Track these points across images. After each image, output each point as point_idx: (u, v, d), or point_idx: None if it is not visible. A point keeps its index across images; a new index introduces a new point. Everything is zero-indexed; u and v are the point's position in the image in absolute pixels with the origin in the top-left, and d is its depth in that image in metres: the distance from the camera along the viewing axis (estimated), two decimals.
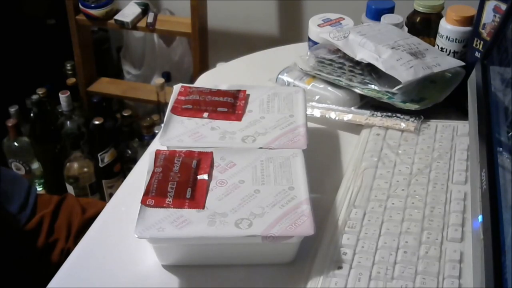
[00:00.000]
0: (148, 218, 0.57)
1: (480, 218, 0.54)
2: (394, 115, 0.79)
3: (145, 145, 1.60)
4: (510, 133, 0.56)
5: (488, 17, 0.75)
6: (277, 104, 0.74)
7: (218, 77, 1.00)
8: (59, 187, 1.61)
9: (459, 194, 0.66)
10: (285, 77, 0.87)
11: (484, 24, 0.76)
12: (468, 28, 0.80)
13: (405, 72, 0.76)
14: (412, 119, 0.78)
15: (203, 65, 1.68)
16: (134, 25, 1.65)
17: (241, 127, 0.70)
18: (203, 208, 0.58)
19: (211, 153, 0.65)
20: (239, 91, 0.76)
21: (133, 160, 1.59)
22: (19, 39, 1.80)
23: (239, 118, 0.71)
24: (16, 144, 1.61)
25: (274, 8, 1.80)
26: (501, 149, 0.58)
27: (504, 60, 0.65)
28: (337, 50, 0.83)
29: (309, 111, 0.80)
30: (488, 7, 0.75)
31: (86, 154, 1.57)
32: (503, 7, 0.73)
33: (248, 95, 0.76)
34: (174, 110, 0.72)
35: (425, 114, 0.78)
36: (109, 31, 1.98)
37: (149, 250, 0.60)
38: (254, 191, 0.60)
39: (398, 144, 0.74)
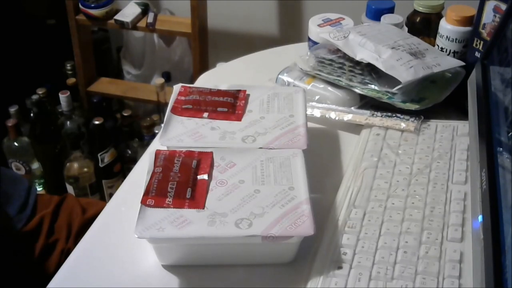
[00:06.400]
0: (148, 218, 0.57)
1: (480, 218, 0.54)
2: (394, 115, 0.79)
3: (145, 145, 1.60)
4: (510, 133, 0.56)
5: (488, 17, 0.75)
6: (277, 104, 0.74)
7: (218, 77, 1.00)
8: (59, 187, 1.61)
9: (459, 194, 0.66)
10: (285, 77, 0.87)
11: (484, 24, 0.76)
12: (468, 28, 0.80)
13: (405, 72, 0.76)
14: (412, 119, 0.78)
15: (203, 65, 1.68)
16: (134, 25, 1.65)
17: (241, 127, 0.70)
18: (203, 208, 0.58)
19: (211, 153, 0.65)
20: (239, 91, 0.76)
21: (133, 160, 1.59)
22: (19, 39, 1.80)
23: (239, 118, 0.72)
24: (16, 144, 1.61)
25: (274, 8, 1.80)
26: (501, 149, 0.58)
27: (504, 60, 0.65)
28: (337, 50, 0.83)
29: (309, 111, 0.80)
30: (488, 7, 0.75)
31: (86, 154, 1.57)
32: (503, 7, 0.73)
33: (248, 95, 0.76)
34: (174, 110, 0.72)
35: (425, 114, 0.78)
36: (109, 31, 1.98)
37: (149, 250, 0.60)
38: (254, 191, 0.60)
39: (398, 144, 0.74)
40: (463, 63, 0.81)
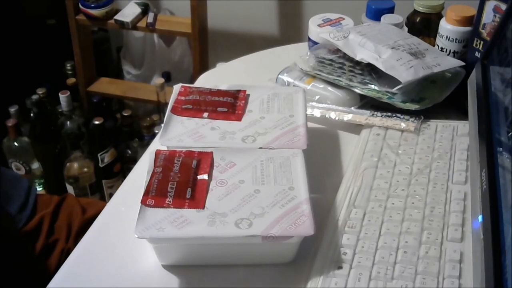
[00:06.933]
0: (148, 218, 0.57)
1: (480, 218, 0.54)
2: (394, 115, 0.79)
3: (145, 145, 1.60)
4: (510, 133, 0.56)
5: (488, 17, 0.75)
6: (277, 104, 0.74)
7: (218, 77, 1.00)
8: (59, 187, 1.61)
9: (459, 194, 0.66)
10: (285, 77, 0.87)
11: (484, 24, 0.76)
12: (468, 28, 0.80)
13: (405, 72, 0.76)
14: (412, 119, 0.78)
15: (203, 65, 1.68)
16: (134, 25, 1.65)
17: (241, 127, 0.70)
18: (203, 208, 0.58)
19: (211, 153, 0.65)
20: (239, 91, 0.76)
21: (133, 160, 1.59)
22: (19, 39, 1.80)
23: (239, 118, 0.72)
24: (16, 144, 1.61)
25: (274, 8, 1.80)
26: (501, 149, 0.58)
27: (504, 60, 0.65)
28: (337, 50, 0.83)
29: (309, 111, 0.80)
30: (488, 7, 0.75)
31: (86, 154, 1.57)
32: (503, 7, 0.73)
33: (248, 95, 0.76)
34: (174, 110, 0.72)
35: (425, 114, 0.78)
36: (109, 31, 1.98)
37: (149, 250, 0.60)
38: (254, 191, 0.60)
39: (398, 144, 0.74)
40: (463, 63, 0.81)
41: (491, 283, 0.46)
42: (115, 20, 1.64)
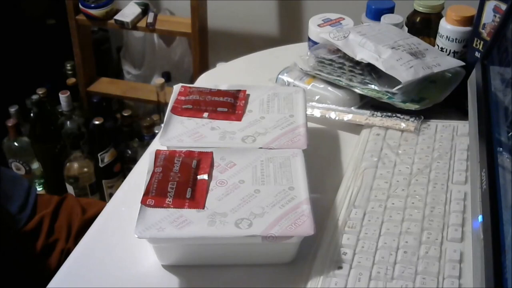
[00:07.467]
0: (148, 218, 0.57)
1: (480, 218, 0.54)
2: (394, 115, 0.79)
3: (145, 145, 1.60)
4: (510, 133, 0.56)
5: (488, 17, 0.75)
6: (277, 104, 0.74)
7: (218, 77, 1.00)
8: (59, 187, 1.61)
9: (459, 194, 0.66)
10: (285, 77, 0.87)
11: (484, 24, 0.76)
12: (468, 28, 0.80)
13: (405, 72, 0.76)
14: (412, 119, 0.78)
15: (203, 65, 1.68)
16: (134, 25, 1.65)
17: (241, 127, 0.70)
18: (203, 208, 0.58)
19: (211, 153, 0.65)
20: (239, 91, 0.76)
21: (133, 160, 1.59)
22: (19, 39, 1.80)
23: (239, 118, 0.72)
24: (16, 144, 1.61)
25: (274, 8, 1.80)
26: (501, 149, 0.58)
27: (504, 60, 0.65)
28: (337, 50, 0.83)
29: (309, 111, 0.80)
30: (488, 7, 0.75)
31: (86, 154, 1.57)
32: (503, 7, 0.73)
33: (248, 95, 0.76)
34: (174, 110, 0.72)
35: (425, 114, 0.78)
36: (109, 31, 1.98)
37: (149, 250, 0.60)
38: (254, 191, 0.60)
39: (398, 144, 0.74)
40: (463, 63, 0.81)
41: (491, 283, 0.46)
42: (115, 20, 1.64)
